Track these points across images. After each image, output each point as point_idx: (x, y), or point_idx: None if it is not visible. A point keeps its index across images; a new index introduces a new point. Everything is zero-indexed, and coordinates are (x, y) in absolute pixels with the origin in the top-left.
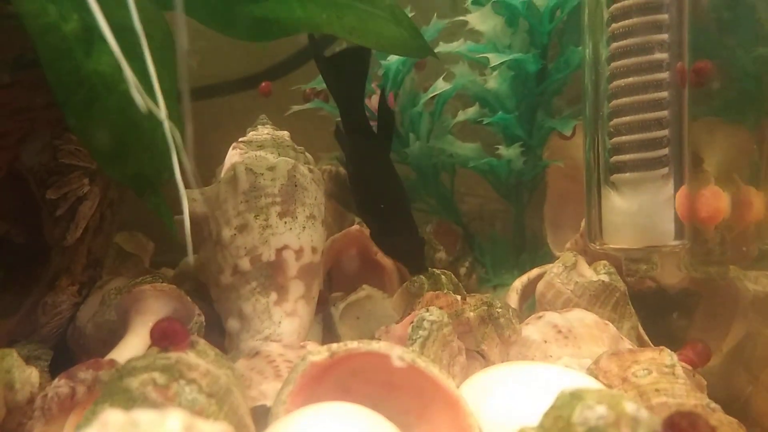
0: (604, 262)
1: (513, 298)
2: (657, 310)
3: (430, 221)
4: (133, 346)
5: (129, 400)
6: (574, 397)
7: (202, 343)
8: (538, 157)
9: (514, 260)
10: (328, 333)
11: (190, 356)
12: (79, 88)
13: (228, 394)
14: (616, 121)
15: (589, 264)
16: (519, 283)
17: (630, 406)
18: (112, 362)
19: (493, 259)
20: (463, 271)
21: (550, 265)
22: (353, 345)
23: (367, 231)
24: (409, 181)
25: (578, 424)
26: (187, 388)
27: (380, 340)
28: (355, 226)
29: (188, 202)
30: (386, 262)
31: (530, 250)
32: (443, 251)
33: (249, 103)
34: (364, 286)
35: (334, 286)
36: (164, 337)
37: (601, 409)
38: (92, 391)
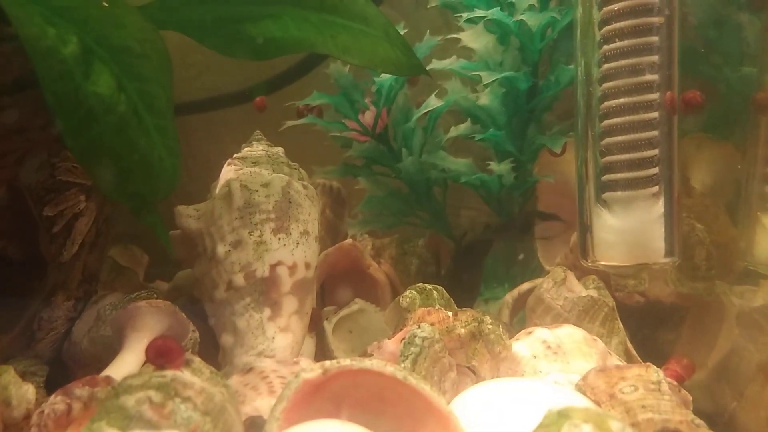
0: (593, 276)
1: (504, 312)
2: (645, 324)
3: (422, 235)
4: (128, 362)
5: (125, 419)
6: (561, 415)
7: (197, 361)
8: (529, 173)
9: (505, 274)
10: (321, 347)
11: (186, 374)
12: (78, 110)
13: (223, 412)
14: (607, 140)
15: (579, 279)
16: (510, 296)
17: (616, 425)
18: (108, 379)
19: (485, 273)
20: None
21: (541, 279)
22: (346, 362)
23: (359, 245)
24: (402, 195)
25: None
26: (182, 407)
27: (372, 355)
28: (348, 240)
29: (183, 218)
30: (379, 275)
31: (521, 264)
32: (435, 265)
33: (244, 117)
34: (357, 299)
35: (327, 300)
36: (160, 355)
37: (587, 428)
38: (88, 408)
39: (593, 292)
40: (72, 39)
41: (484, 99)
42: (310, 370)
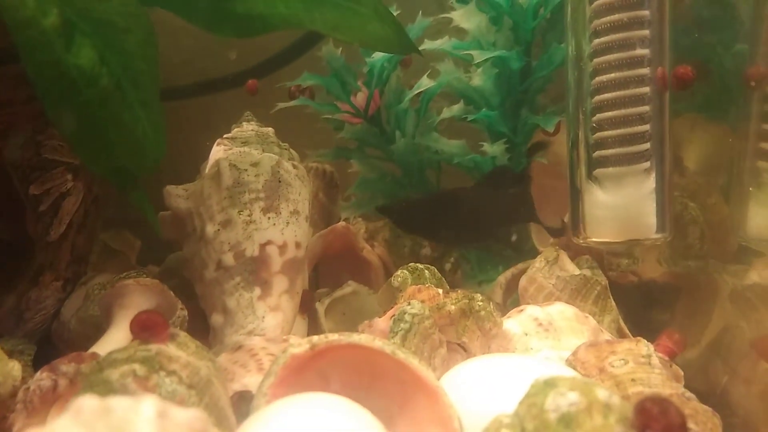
0: (587, 256)
1: (497, 293)
2: (639, 303)
3: None
4: (115, 340)
5: (109, 392)
6: (548, 384)
7: (183, 335)
8: (523, 154)
9: (499, 255)
10: (314, 329)
11: (171, 348)
12: (59, 82)
13: (208, 385)
14: (598, 116)
15: (573, 259)
16: (503, 278)
17: (602, 393)
18: (95, 355)
19: (479, 255)
20: (448, 266)
21: (534, 260)
22: (334, 337)
23: (353, 228)
24: (395, 178)
25: (551, 410)
26: (167, 380)
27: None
28: (342, 223)
29: (172, 198)
30: (372, 258)
31: (515, 246)
32: (428, 247)
33: (236, 100)
34: (350, 282)
35: (321, 283)
36: (144, 329)
37: (573, 396)
38: (74, 384)
39: (586, 272)
40: (52, 11)
41: (477, 80)
42: (298, 345)
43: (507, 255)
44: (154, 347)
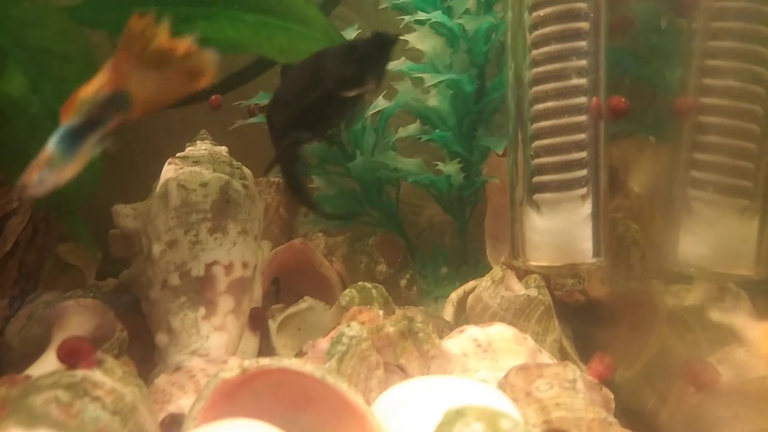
0: (535, 276)
1: (449, 311)
2: (586, 322)
3: (374, 234)
4: (52, 362)
5: (33, 418)
6: (458, 414)
7: (110, 361)
8: (478, 173)
9: (455, 272)
10: (265, 346)
11: (96, 374)
12: None
13: (133, 411)
14: (537, 143)
15: (522, 277)
16: (455, 295)
17: (506, 424)
18: (27, 378)
19: (435, 271)
20: (403, 282)
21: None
22: (265, 362)
23: (311, 243)
24: (353, 194)
25: None
26: (90, 406)
27: (307, 353)
28: (299, 239)
29: (120, 217)
30: (330, 274)
31: (471, 263)
32: (384, 264)
33: (204, 116)
34: (306, 297)
35: (283, 298)
36: (70, 355)
37: (478, 426)
38: (5, 407)
39: (533, 291)
40: None
41: (433, 100)
42: (229, 369)
43: (463, 271)
44: (79, 373)
